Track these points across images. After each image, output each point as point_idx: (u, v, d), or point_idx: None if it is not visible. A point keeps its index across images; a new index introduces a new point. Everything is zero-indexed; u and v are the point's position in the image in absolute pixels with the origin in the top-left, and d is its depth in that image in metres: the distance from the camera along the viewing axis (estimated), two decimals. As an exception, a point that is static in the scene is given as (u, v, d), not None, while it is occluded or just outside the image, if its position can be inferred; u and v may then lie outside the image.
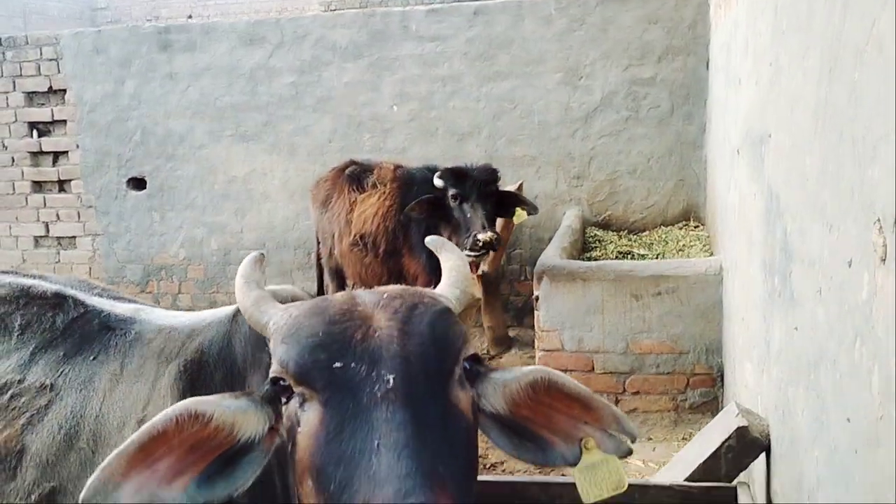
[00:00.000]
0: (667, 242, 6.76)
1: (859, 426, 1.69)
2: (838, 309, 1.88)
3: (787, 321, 2.58)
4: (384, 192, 6.18)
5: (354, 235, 6.23)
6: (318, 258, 7.00)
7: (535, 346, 5.81)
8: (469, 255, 5.54)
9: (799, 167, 2.39)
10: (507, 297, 7.66)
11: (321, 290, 7.15)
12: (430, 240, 2.11)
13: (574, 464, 1.72)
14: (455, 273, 1.91)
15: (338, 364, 1.46)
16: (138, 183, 8.14)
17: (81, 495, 1.47)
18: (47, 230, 8.39)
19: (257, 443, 1.61)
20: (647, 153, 7.17)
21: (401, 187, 6.12)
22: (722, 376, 5.30)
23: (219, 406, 1.58)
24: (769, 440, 2.99)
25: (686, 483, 3.04)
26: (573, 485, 3.07)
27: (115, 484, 1.50)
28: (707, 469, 3.07)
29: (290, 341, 1.54)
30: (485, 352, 7.83)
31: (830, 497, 1.95)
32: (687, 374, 5.49)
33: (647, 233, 7.13)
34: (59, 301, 2.53)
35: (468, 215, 5.64)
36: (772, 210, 2.91)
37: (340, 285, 6.81)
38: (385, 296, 1.62)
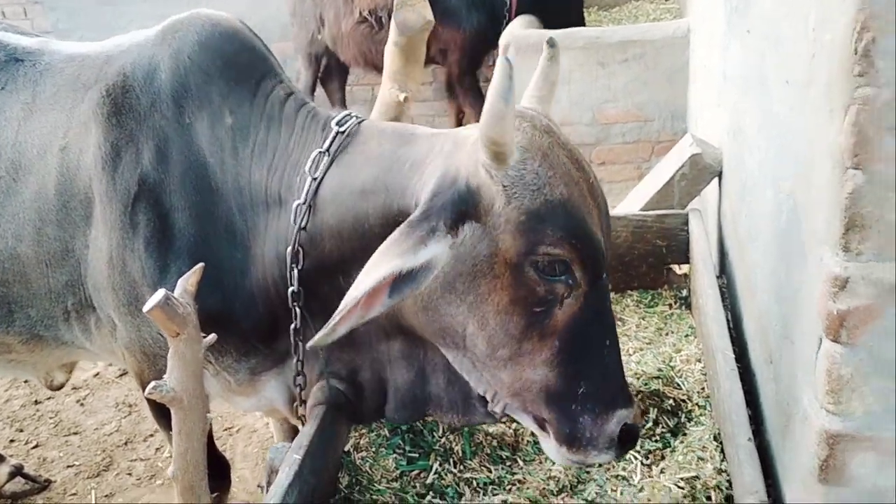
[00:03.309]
0: (637, 18, 6.56)
1: (796, 86, 1.68)
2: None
3: (742, 29, 2.52)
4: None
5: (360, 12, 5.89)
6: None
7: (502, 122, 5.75)
8: None
9: None
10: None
11: (313, 88, 7.10)
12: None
13: None
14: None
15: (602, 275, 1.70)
16: (85, -27, 7.71)
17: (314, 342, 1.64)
18: (-6, 29, 8.00)
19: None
20: (619, -82, 6.80)
21: None
22: (686, 142, 5.31)
23: (424, 258, 1.61)
24: (721, 166, 3.01)
25: (640, 212, 3.09)
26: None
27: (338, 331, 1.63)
28: (661, 198, 3.11)
29: (579, 235, 1.63)
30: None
31: (766, 162, 1.98)
32: (652, 141, 5.49)
33: (616, 8, 6.90)
34: None
35: None
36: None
37: (340, 72, 6.76)
38: (590, 168, 1.77)
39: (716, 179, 3.09)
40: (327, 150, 1.89)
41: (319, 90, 7.68)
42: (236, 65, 2.05)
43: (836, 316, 1.33)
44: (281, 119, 2.03)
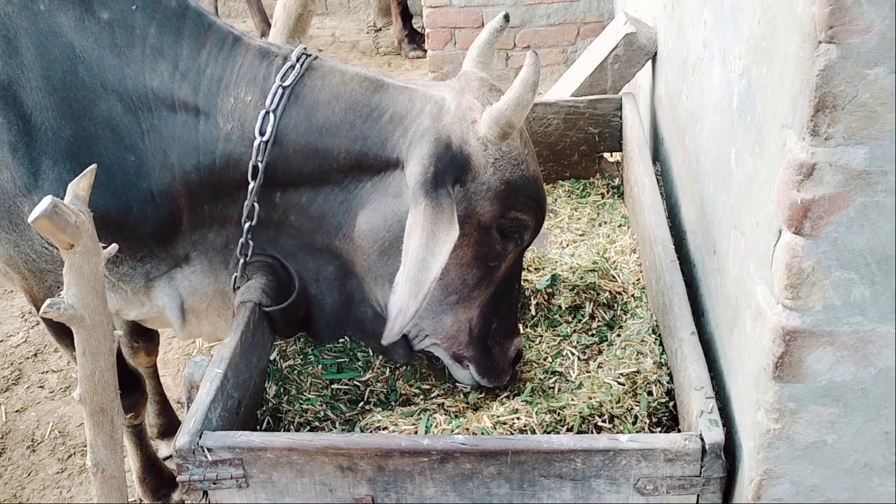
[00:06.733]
0: None
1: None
2: None
3: None
4: None
5: None
6: None
7: (423, 4, 5.48)
8: None
9: None
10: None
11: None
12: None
13: None
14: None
15: None
16: None
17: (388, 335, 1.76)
18: None
19: None
20: None
21: None
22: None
23: None
24: (656, 46, 2.87)
25: (572, 98, 2.95)
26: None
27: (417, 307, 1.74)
28: (593, 82, 2.97)
29: (540, 205, 1.90)
30: (371, 24, 7.44)
31: (714, 38, 1.85)
32: (578, 23, 5.30)
33: None
34: None
35: None
36: None
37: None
38: None
39: (649, 62, 2.96)
40: (287, 85, 1.85)
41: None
42: None
43: (800, 206, 1.23)
44: (181, 30, 1.89)
